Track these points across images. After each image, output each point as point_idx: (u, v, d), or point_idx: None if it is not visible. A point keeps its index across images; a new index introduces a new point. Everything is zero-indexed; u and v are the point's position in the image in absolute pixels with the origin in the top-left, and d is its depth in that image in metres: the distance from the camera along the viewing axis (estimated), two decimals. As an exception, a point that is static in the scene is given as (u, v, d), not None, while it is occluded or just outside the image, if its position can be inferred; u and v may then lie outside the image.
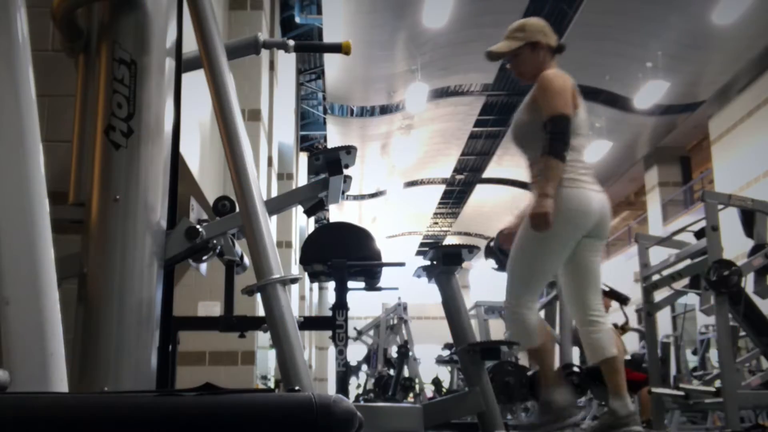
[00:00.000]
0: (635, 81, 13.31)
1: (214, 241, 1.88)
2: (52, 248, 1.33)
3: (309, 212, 2.09)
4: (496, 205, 22.47)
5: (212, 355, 6.25)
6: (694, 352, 8.80)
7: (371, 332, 10.33)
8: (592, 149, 16.29)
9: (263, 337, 8.34)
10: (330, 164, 2.08)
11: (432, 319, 19.03)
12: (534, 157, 3.06)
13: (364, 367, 11.29)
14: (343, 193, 2.14)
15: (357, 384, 12.77)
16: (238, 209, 1.83)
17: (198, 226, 1.79)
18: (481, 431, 2.65)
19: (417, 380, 9.44)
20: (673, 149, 16.75)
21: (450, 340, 2.98)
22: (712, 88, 13.35)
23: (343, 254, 3.95)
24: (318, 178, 2.11)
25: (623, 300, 6.02)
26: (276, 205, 2.13)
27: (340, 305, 4.02)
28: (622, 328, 6.31)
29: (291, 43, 2.31)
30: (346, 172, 2.14)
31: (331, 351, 4.48)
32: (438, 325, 3.19)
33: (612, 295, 6.16)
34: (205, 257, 1.94)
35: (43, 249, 1.31)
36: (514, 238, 3.08)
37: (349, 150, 2.12)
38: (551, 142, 2.87)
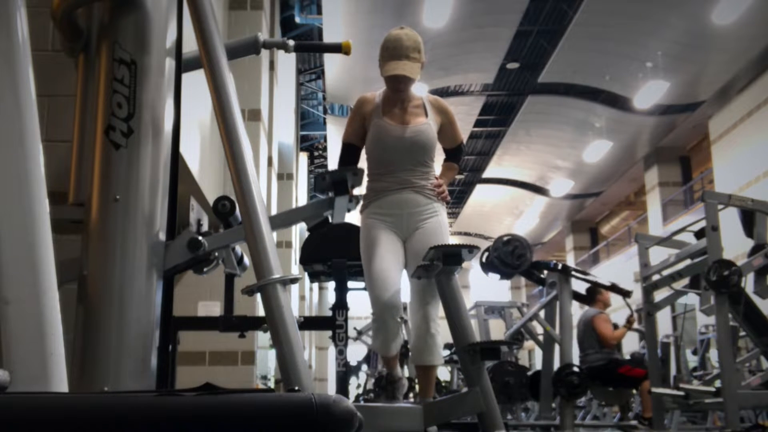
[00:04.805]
0: (635, 81, 13.31)
1: (216, 254, 1.87)
2: (53, 248, 1.33)
3: (312, 230, 2.10)
4: (496, 205, 22.47)
5: (212, 355, 6.25)
6: (694, 352, 8.80)
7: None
8: (593, 149, 16.30)
9: (263, 337, 8.33)
10: (336, 185, 2.10)
11: (432, 319, 18.95)
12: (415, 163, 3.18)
13: (364, 367, 11.28)
14: (348, 211, 2.15)
15: (357, 384, 12.77)
16: (238, 210, 1.82)
17: (201, 238, 1.78)
18: (481, 431, 2.64)
19: (417, 380, 9.42)
20: (673, 149, 16.74)
21: (450, 340, 2.98)
22: (712, 88, 13.34)
23: (343, 254, 3.96)
24: (324, 197, 2.12)
25: (625, 293, 6.03)
26: (281, 221, 2.13)
27: (340, 305, 4.03)
28: (628, 322, 6.31)
29: (291, 43, 2.31)
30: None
31: (331, 351, 4.48)
32: (438, 325, 3.19)
33: (613, 289, 6.15)
34: (206, 269, 1.93)
35: (43, 249, 1.31)
36: None
37: (356, 172, 2.15)
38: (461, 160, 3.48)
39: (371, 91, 3.30)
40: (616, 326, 6.65)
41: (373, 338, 3.23)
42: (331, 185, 2.10)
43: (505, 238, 5.54)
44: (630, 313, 6.25)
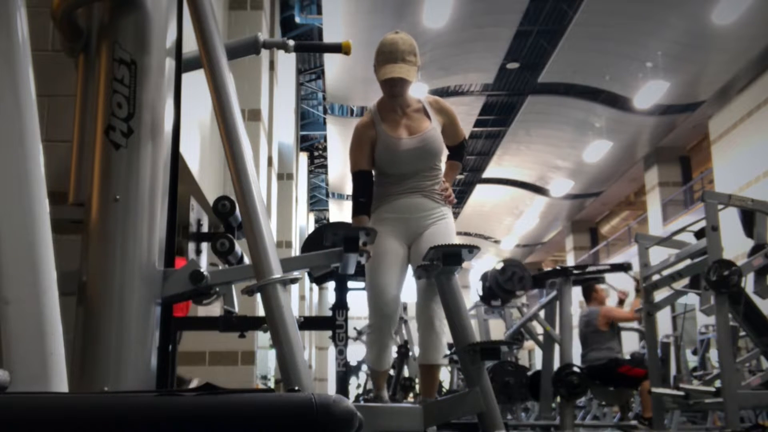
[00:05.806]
0: (635, 81, 13.31)
1: (217, 288, 1.88)
2: (53, 248, 1.33)
3: (318, 279, 2.13)
4: (496, 205, 22.47)
5: (212, 355, 6.24)
6: (694, 352, 8.79)
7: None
8: (593, 149, 16.30)
9: (263, 337, 8.33)
10: (347, 242, 2.14)
11: (432, 319, 18.93)
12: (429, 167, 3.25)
13: (364, 367, 11.30)
14: (358, 263, 2.20)
15: (357, 384, 12.79)
16: (238, 210, 1.82)
17: (203, 271, 1.78)
18: (481, 431, 2.64)
19: (417, 380, 9.44)
20: (673, 149, 16.74)
21: (450, 339, 2.98)
22: (712, 88, 13.34)
23: (343, 254, 3.94)
24: (334, 249, 2.17)
25: (626, 267, 6.09)
26: (290, 266, 2.14)
27: (340, 305, 4.03)
28: (636, 290, 6.36)
29: (291, 43, 2.31)
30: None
31: (331, 351, 4.49)
32: (438, 325, 3.19)
33: (613, 268, 6.19)
34: (205, 301, 1.93)
35: (43, 249, 1.31)
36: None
37: (369, 232, 2.21)
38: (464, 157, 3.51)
39: (363, 115, 3.34)
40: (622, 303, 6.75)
41: (368, 351, 3.30)
42: (342, 241, 2.15)
43: (499, 266, 5.46)
44: (636, 282, 6.28)
